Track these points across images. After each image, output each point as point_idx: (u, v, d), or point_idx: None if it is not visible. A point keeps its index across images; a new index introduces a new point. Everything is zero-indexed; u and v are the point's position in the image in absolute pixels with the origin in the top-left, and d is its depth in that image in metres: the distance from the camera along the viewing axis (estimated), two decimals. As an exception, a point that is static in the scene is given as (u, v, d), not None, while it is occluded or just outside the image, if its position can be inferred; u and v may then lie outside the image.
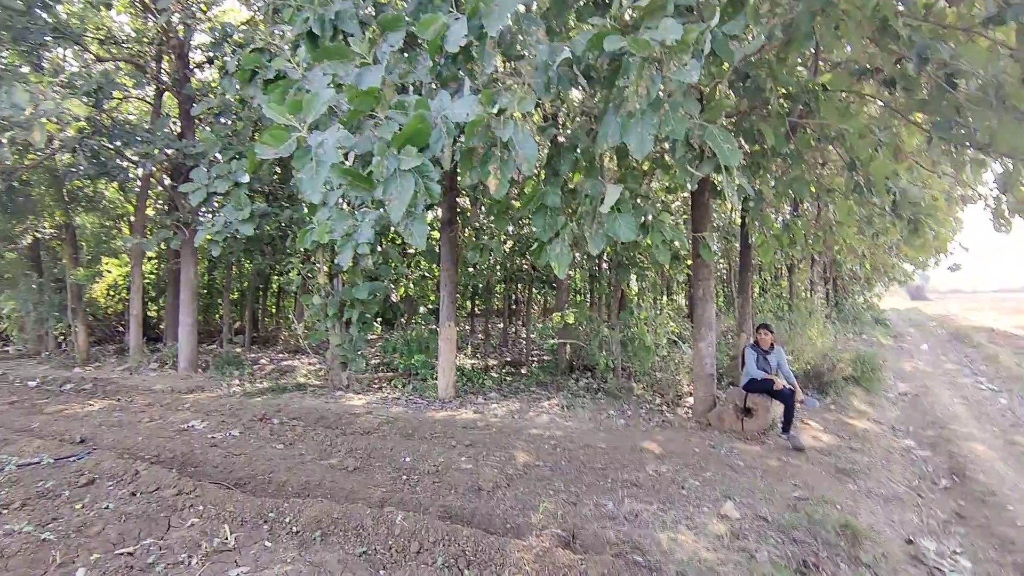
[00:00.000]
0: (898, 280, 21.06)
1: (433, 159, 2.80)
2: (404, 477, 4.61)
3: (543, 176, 4.78)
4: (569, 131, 5.39)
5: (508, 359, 11.80)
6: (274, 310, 19.18)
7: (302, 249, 8.10)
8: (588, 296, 14.08)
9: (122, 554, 3.02)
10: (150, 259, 15.47)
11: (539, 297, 16.10)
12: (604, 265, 11.56)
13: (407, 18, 3.22)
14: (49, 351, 11.88)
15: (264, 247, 11.34)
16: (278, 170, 10.36)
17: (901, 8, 4.24)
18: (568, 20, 4.59)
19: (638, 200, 4.74)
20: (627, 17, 3.92)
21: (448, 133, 2.84)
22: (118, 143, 8.59)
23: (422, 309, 12.89)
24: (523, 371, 10.30)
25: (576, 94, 6.57)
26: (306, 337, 10.20)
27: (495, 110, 2.87)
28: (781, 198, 6.98)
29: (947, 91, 4.52)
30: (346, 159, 2.97)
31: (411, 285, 12.43)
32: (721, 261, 16.62)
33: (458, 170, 3.34)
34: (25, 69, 8.16)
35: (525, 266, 11.57)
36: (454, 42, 2.86)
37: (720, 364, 8.25)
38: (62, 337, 12.29)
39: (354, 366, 8.44)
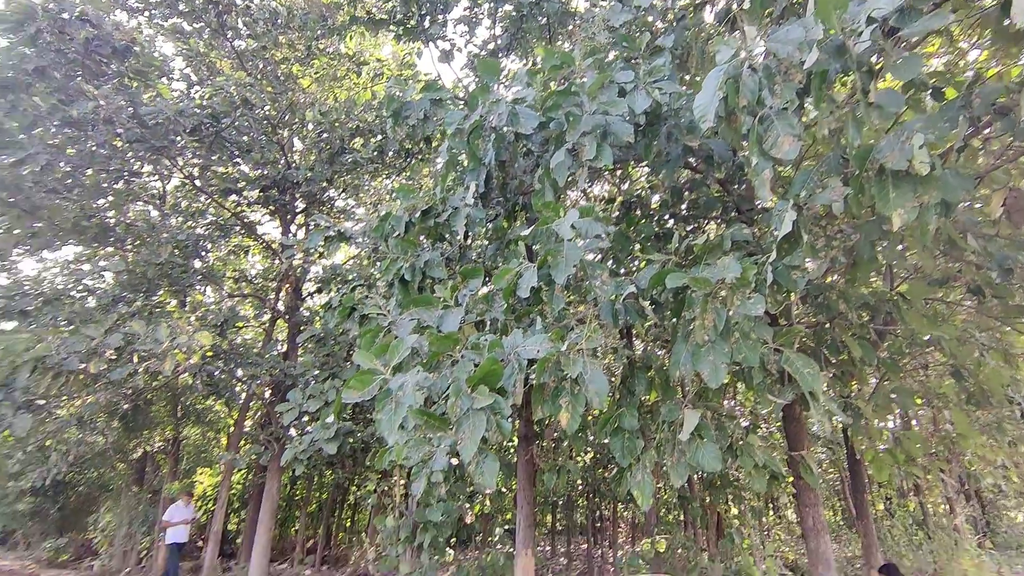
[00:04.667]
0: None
1: (503, 394, 2.89)
2: None
3: (618, 396, 4.73)
4: (642, 351, 5.46)
5: (594, 592, 10.37)
6: (349, 524, 18.62)
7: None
8: (680, 513, 12.56)
9: None
10: (239, 470, 16.04)
11: (626, 514, 14.63)
12: (696, 482, 10.47)
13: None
14: (130, 568, 11.87)
15: (345, 460, 11.49)
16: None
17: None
18: (632, 252, 4.98)
19: (722, 419, 4.50)
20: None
21: (520, 369, 2.97)
22: (231, 365, 9.62)
23: (498, 530, 12.02)
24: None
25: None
26: (377, 561, 9.60)
27: (564, 347, 3.01)
28: (883, 410, 6.34)
29: (1046, 298, 4.28)
30: (425, 403, 3.12)
31: (487, 502, 11.83)
32: (831, 471, 14.65)
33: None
34: (170, 306, 9.76)
35: (608, 476, 10.77)
36: (525, 289, 3.16)
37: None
38: (145, 552, 12.36)
39: (425, 598, 7.70)
